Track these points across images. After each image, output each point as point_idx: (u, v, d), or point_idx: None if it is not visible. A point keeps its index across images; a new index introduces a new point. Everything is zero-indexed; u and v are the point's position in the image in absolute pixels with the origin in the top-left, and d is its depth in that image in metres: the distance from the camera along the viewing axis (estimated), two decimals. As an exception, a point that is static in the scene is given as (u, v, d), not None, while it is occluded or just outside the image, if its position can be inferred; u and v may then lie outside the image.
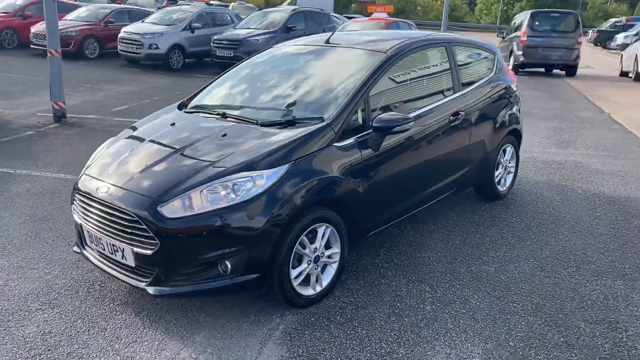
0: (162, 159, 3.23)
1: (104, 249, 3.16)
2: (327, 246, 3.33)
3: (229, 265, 2.93)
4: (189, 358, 2.83)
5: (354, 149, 3.41)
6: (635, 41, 15.79)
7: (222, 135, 3.38)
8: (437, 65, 4.33)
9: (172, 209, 2.91)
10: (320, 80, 3.87)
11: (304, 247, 3.17)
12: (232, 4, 30.72)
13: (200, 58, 15.94)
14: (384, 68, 3.74)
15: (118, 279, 3.22)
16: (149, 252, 2.91)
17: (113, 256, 3.11)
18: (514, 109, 5.09)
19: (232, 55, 14.11)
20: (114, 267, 3.17)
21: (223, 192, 2.95)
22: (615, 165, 6.43)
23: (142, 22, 15.85)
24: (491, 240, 4.26)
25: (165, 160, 3.22)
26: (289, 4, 37.73)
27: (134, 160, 3.31)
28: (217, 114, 3.75)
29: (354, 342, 2.96)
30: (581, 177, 5.94)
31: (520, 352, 2.87)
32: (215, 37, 14.58)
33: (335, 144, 3.32)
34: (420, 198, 4.08)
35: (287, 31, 14.90)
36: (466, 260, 3.91)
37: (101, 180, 3.21)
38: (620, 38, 30.44)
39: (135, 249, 2.95)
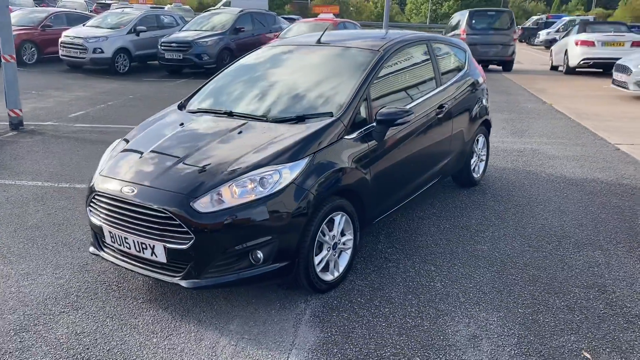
0: (185, 157, 3.32)
1: (130, 248, 3.22)
2: (342, 234, 3.53)
3: (261, 255, 3.07)
4: (229, 345, 2.96)
5: (361, 141, 3.63)
6: (564, 37, 16.85)
7: (238, 133, 3.51)
8: (421, 61, 4.62)
9: (205, 204, 3.02)
10: (321, 78, 4.07)
11: (324, 235, 3.36)
12: (168, 5, 30.26)
13: (146, 61, 15.68)
14: (380, 64, 3.99)
15: (146, 276, 3.29)
16: (183, 246, 3.01)
17: (141, 254, 3.18)
18: (484, 101, 5.48)
19: (181, 57, 14.04)
20: (141, 265, 3.24)
21: (251, 186, 3.09)
22: (568, 151, 6.98)
23: (84, 25, 15.43)
24: (477, 223, 4.59)
25: (189, 158, 3.31)
26: (223, 5, 37.59)
27: (155, 160, 3.38)
28: (224, 113, 3.87)
29: (379, 319, 3.18)
30: (541, 162, 6.43)
31: (530, 317, 3.19)
32: (162, 39, 14.41)
33: (345, 137, 3.53)
34: (415, 186, 4.36)
35: (235, 32, 14.96)
36: (460, 241, 4.22)
37: (124, 181, 3.27)
38: (543, 34, 32.34)
39: (168, 245, 3.04)
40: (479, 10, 16.67)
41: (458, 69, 5.13)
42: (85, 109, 9.74)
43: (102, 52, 14.10)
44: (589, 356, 2.83)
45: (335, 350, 2.90)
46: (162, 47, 14.26)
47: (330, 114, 3.60)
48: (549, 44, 30.27)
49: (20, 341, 3.00)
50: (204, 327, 3.13)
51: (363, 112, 3.74)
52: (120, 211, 3.20)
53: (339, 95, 3.79)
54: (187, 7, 30.00)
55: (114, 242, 3.31)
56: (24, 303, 3.38)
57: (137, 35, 14.92)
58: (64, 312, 3.29)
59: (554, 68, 17.35)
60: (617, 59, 13.68)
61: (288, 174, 3.15)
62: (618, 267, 3.80)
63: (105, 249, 3.47)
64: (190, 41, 14.02)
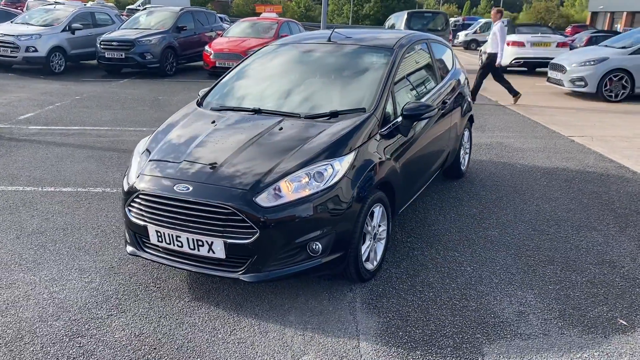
0: (234, 154, 3.34)
1: (182, 246, 3.19)
2: (378, 225, 3.68)
3: (320, 246, 3.16)
4: (296, 335, 3.03)
5: (391, 135, 3.80)
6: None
7: (279, 129, 3.57)
8: (425, 59, 4.85)
9: (266, 199, 3.07)
10: (344, 75, 4.18)
11: (367, 226, 3.49)
12: (90, 3, 28.96)
13: (83, 61, 15.00)
14: (399, 62, 4.17)
15: (199, 273, 3.28)
16: (245, 241, 3.04)
17: (195, 252, 3.17)
18: (468, 97, 5.81)
19: (123, 56, 13.57)
20: (194, 262, 3.23)
21: (306, 180, 3.17)
22: (530, 143, 7.50)
23: (12, 22, 14.52)
24: (479, 211, 4.89)
25: (239, 154, 3.33)
26: (143, 4, 36.44)
27: (203, 158, 3.36)
28: (252, 111, 3.90)
29: (429, 302, 3.36)
30: (511, 154, 6.88)
31: (562, 292, 3.48)
32: (101, 38, 13.85)
33: (379, 131, 3.68)
34: (427, 177, 4.59)
35: (178, 31, 14.65)
36: (471, 228, 4.49)
37: (175, 179, 3.23)
38: (462, 36, 33.93)
39: (229, 241, 3.06)
40: (416, 12, 17.33)
41: (450, 67, 5.42)
42: (33, 110, 9.24)
43: (36, 50, 13.35)
44: (625, 322, 3.15)
45: (401, 333, 3.05)
46: (102, 46, 13.69)
47: (363, 110, 3.73)
48: (467, 44, 31.99)
49: (79, 346, 2.92)
50: (264, 320, 3.17)
51: (389, 108, 3.90)
52: (173, 209, 3.17)
53: (365, 91, 3.93)
54: (111, 4, 28.79)
55: (162, 242, 3.27)
56: (64, 309, 3.27)
57: (73, 33, 14.24)
58: (112, 315, 3.21)
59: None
60: (545, 58, 14.78)
61: (340, 167, 3.25)
62: (617, 245, 4.21)
63: (147, 249, 3.41)
64: (132, 40, 13.57)
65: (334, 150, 3.34)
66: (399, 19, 16.93)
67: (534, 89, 13.05)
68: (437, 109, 4.39)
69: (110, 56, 13.69)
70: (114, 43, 13.65)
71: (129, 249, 3.51)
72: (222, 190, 3.11)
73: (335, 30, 4.70)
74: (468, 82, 5.94)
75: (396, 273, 3.73)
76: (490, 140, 7.60)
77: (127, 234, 3.54)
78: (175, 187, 3.18)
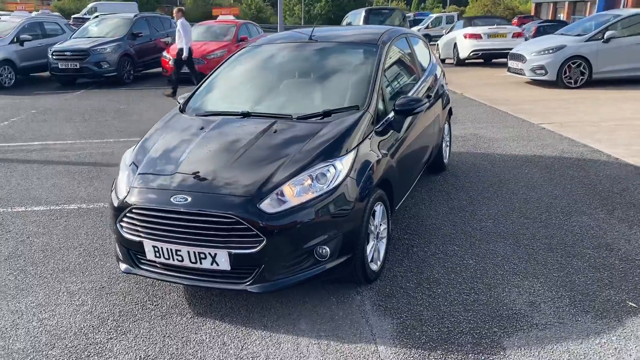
0: (231, 160, 3.20)
1: (183, 260, 3.03)
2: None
3: (327, 250, 3.06)
4: (311, 345, 2.91)
5: (385, 132, 3.73)
6: (449, 31, 18.10)
7: (274, 132, 3.44)
8: (407, 54, 4.81)
9: (270, 205, 2.94)
10: (330, 73, 4.09)
11: (370, 225, 3.40)
12: (35, 12, 27.96)
13: (33, 73, 14.40)
14: (384, 57, 4.10)
15: (202, 287, 3.13)
16: (251, 251, 2.90)
17: (197, 265, 3.01)
18: (446, 91, 5.80)
19: (78, 67, 13.12)
20: (196, 276, 3.07)
21: (309, 182, 3.07)
22: (503, 133, 7.59)
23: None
24: (468, 203, 4.88)
25: (236, 160, 3.19)
26: (88, 12, 35.43)
27: (198, 166, 3.21)
28: (240, 115, 3.76)
29: (439, 300, 3.30)
30: (487, 145, 6.93)
31: (567, 279, 3.49)
32: (53, 48, 13.33)
33: (374, 129, 3.61)
34: (417, 172, 4.54)
35: (133, 38, 14.27)
36: (464, 221, 4.46)
37: (171, 190, 3.07)
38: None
39: (234, 251, 2.92)
40: (374, 9, 17.46)
41: (428, 60, 5.39)
42: (-11, 127, 8.79)
43: (-17, 64, 12.75)
44: (634, 305, 3.17)
45: (417, 333, 2.97)
46: (54, 57, 13.19)
47: (357, 108, 3.65)
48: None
49: (82, 375, 2.73)
50: (274, 331, 3.05)
51: (380, 104, 3.83)
52: (171, 222, 3.00)
53: (355, 88, 3.85)
54: (57, 14, 27.82)
55: (160, 257, 3.10)
56: (58, 336, 3.06)
57: (21, 44, 13.68)
58: (111, 338, 3.03)
59: (442, 61, 18.55)
60: (503, 49, 15.08)
61: (342, 167, 3.16)
62: (609, 228, 4.26)
63: (143, 266, 3.23)
64: (86, 49, 13.11)
65: (334, 150, 3.24)
66: (356, 17, 16.99)
67: (495, 80, 13.28)
68: (427, 103, 4.35)
69: (63, 67, 13.20)
70: (67, 53, 13.16)
71: (123, 266, 3.32)
72: (223, 199, 2.96)
73: (316, 28, 4.59)
74: (444, 75, 5.94)
75: (400, 272, 3.66)
76: (464, 132, 7.64)
77: (119, 251, 3.35)
78: (172, 199, 3.02)
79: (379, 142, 3.60)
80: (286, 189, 3.02)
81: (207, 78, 4.38)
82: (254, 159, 3.21)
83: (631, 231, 4.18)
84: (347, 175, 3.15)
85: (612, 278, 3.49)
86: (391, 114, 3.86)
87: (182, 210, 2.96)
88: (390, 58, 4.31)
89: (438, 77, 5.47)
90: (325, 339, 2.96)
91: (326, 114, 3.61)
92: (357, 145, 3.34)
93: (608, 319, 3.05)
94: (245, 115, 3.75)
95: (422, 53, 5.29)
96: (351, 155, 3.25)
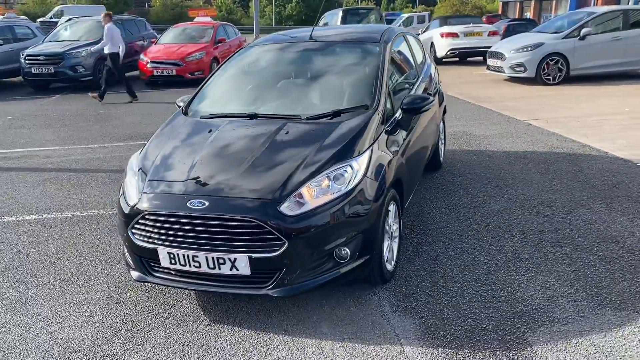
0: (246, 163, 3.13)
1: (200, 267, 2.95)
2: (391, 223, 3.58)
3: (348, 252, 3.02)
4: (336, 348, 2.87)
5: (394, 131, 3.71)
6: (425, 31, 18.22)
7: (286, 134, 3.38)
8: (406, 52, 4.80)
9: (290, 207, 2.89)
10: (334, 73, 4.05)
11: (385, 225, 3.37)
12: (0, 16, 27.19)
13: (4, 78, 13.99)
14: (387, 56, 4.08)
15: (221, 293, 3.06)
16: (272, 254, 2.84)
17: (216, 271, 2.94)
18: (441, 89, 5.82)
19: (52, 71, 12.79)
20: (214, 282, 3.00)
21: (327, 183, 3.02)
22: (491, 130, 7.66)
23: None
24: (469, 200, 4.89)
25: (251, 163, 3.12)
26: (54, 16, 34.66)
27: (212, 169, 3.14)
28: (247, 116, 3.69)
29: (457, 297, 3.29)
30: (479, 142, 6.99)
31: (580, 273, 3.51)
32: (26, 52, 12.98)
33: (385, 128, 3.58)
34: (421, 171, 4.53)
35: (109, 41, 13.91)
36: (469, 218, 4.47)
37: (186, 195, 2.98)
38: (388, 31, 34.61)
39: (254, 255, 2.85)
40: (351, 9, 17.49)
41: (424, 58, 5.40)
42: (-34, 134, 8.49)
43: (-47, 70, 12.34)
44: (650, 296, 3.21)
45: (441, 332, 2.95)
46: (27, 61, 12.84)
47: (365, 107, 3.62)
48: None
49: (103, 389, 2.63)
50: (296, 335, 2.99)
51: (388, 103, 3.80)
52: (187, 227, 2.92)
53: (362, 87, 3.82)
54: (24, 17, 27.07)
55: (175, 263, 3.01)
56: (71, 349, 2.95)
57: (-8, 49, 13.28)
58: (128, 349, 2.93)
59: (418, 60, 18.66)
60: (479, 47, 15.26)
61: (358, 167, 3.12)
62: (611, 221, 4.32)
63: (157, 273, 3.14)
64: (61, 53, 12.79)
65: (348, 150, 3.20)
66: (333, 17, 16.99)
67: (473, 78, 13.43)
68: (434, 100, 4.34)
69: (37, 71, 12.86)
70: (40, 57, 12.83)
71: (135, 274, 3.22)
72: (242, 203, 2.89)
73: (315, 28, 4.54)
74: (438, 72, 5.96)
75: (413, 271, 3.64)
76: (453, 130, 7.69)
77: (130, 259, 3.25)
78: (188, 204, 2.93)
79: (390, 142, 3.58)
80: (305, 190, 2.96)
81: (209, 78, 4.29)
82: (269, 161, 3.15)
83: (633, 224, 4.24)
84: (364, 175, 3.11)
85: (623, 270, 3.53)
86: (398, 113, 3.84)
87: (199, 215, 2.88)
88: (393, 57, 4.29)
89: (434, 75, 5.48)
90: (349, 341, 2.92)
91: (336, 113, 3.57)
92: (371, 145, 3.31)
93: (627, 310, 3.07)
94: (252, 116, 3.68)
95: (417, 51, 5.29)
96: (366, 155, 3.22)
